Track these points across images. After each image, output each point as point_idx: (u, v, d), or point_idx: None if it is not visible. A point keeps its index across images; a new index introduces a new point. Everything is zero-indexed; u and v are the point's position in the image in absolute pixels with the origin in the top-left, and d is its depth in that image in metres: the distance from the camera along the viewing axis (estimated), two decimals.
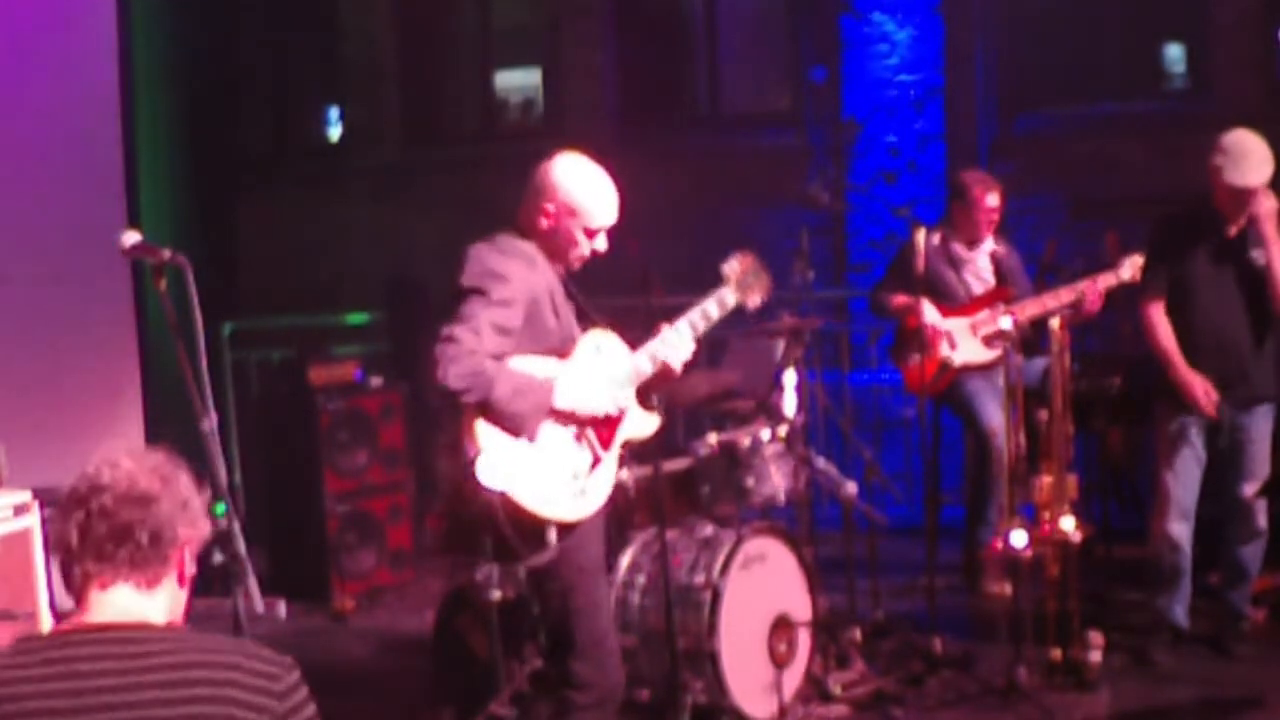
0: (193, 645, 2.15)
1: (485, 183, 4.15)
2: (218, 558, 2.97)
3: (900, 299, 6.23)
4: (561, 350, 3.96)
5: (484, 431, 3.74)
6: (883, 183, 8.81)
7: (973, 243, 6.37)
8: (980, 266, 6.39)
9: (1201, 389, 5.24)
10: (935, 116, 8.83)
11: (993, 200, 6.27)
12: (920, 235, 5.67)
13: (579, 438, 3.94)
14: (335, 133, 11.07)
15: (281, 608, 6.54)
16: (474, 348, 3.70)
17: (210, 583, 2.75)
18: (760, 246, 4.55)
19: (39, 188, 6.40)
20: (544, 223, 3.95)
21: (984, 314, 6.21)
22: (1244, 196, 5.18)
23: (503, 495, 3.74)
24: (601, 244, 4.02)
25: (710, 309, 4.27)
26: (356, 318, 8.52)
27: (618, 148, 9.37)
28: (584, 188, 3.96)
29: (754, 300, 4.41)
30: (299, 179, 10.54)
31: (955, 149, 8.76)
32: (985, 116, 8.96)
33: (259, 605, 2.98)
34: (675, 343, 4.15)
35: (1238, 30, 8.47)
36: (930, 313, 6.13)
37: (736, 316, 4.50)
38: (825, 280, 8.29)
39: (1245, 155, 5.16)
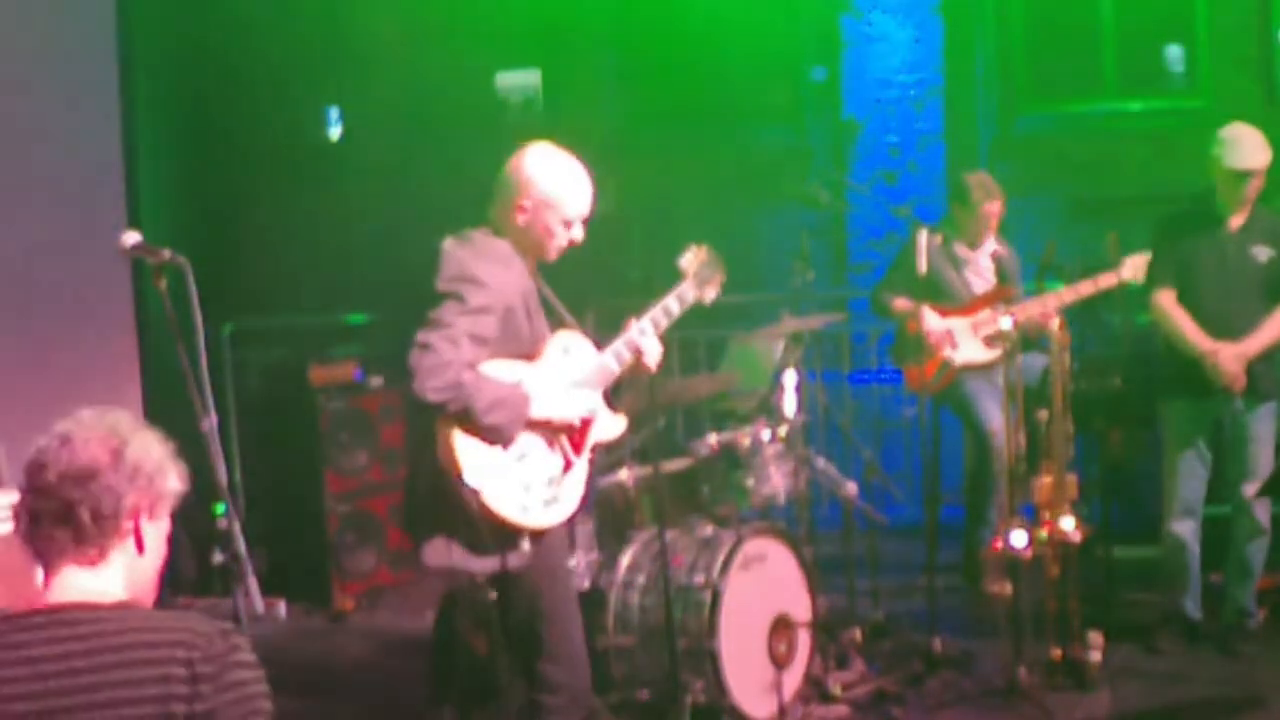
0: (136, 625, 2.09)
1: (485, 183, 4.11)
2: (218, 558, 2.97)
3: (902, 303, 6.24)
4: (531, 353, 3.90)
5: (460, 438, 3.70)
6: (883, 183, 8.80)
7: (974, 243, 6.39)
8: (983, 266, 6.40)
9: (1228, 359, 5.23)
10: (935, 116, 8.82)
11: (994, 208, 6.31)
12: (923, 235, 5.67)
13: (551, 444, 3.89)
14: (335, 133, 11.05)
15: (281, 608, 6.54)
16: (450, 358, 3.62)
17: (210, 583, 2.75)
18: (760, 246, 4.54)
19: (39, 187, 6.38)
20: (520, 218, 3.89)
21: (984, 314, 6.21)
22: (1244, 181, 5.21)
23: (479, 498, 3.70)
24: (579, 234, 3.94)
25: (672, 305, 4.21)
26: (356, 318, 8.50)
27: (618, 148, 9.38)
28: (559, 178, 3.90)
29: (710, 294, 4.34)
30: (299, 179, 10.51)
31: (955, 149, 8.76)
32: (985, 116, 8.96)
33: (259, 605, 2.97)
34: (641, 340, 4.11)
35: (1238, 30, 8.47)
36: (932, 321, 6.13)
37: (736, 319, 4.47)
38: (825, 280, 8.28)
39: (1242, 140, 5.24)
